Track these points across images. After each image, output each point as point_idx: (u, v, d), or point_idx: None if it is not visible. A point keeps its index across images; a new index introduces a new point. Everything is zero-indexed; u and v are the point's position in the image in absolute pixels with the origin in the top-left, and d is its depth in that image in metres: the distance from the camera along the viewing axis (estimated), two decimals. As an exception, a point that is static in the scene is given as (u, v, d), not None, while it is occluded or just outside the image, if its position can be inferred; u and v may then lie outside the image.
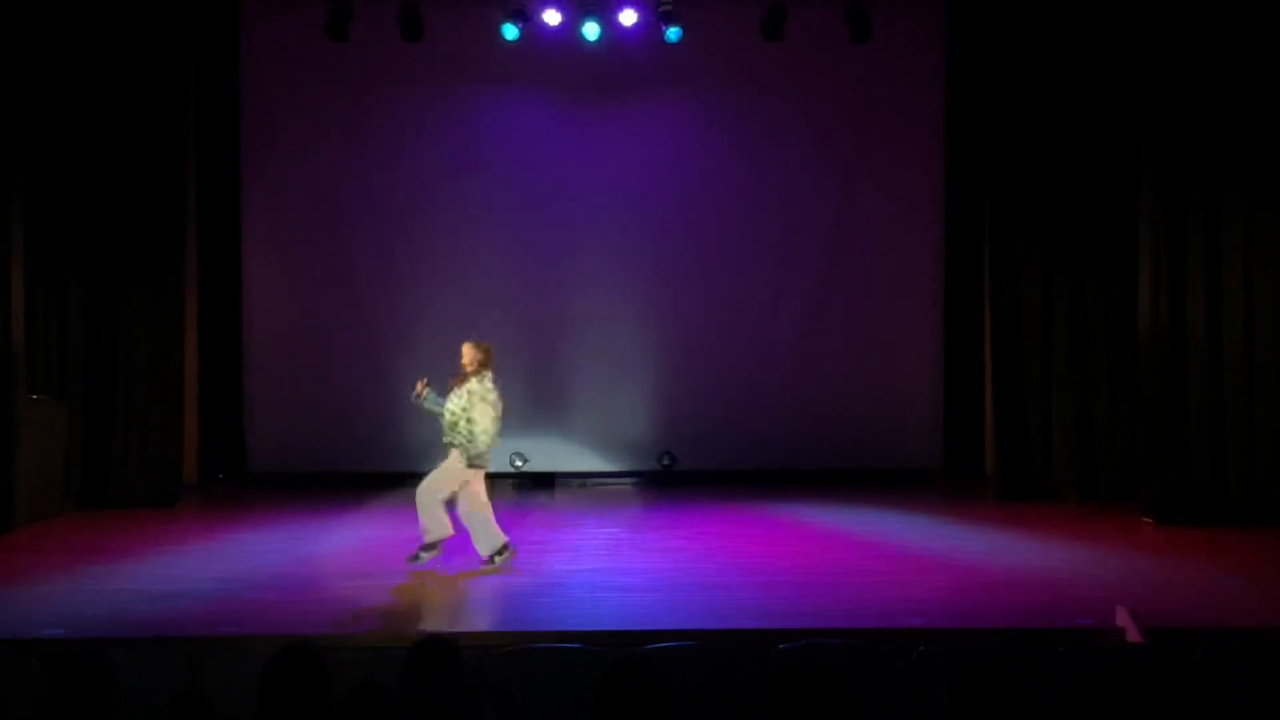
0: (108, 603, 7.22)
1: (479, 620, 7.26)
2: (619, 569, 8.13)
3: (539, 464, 11.68)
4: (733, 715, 5.01)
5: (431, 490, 7.94)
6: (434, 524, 7.90)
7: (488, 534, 8.01)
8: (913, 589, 7.60)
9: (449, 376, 8.04)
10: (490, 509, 8.07)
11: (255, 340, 11.79)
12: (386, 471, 11.59)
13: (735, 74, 11.75)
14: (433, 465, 8.11)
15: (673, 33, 10.88)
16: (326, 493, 11.07)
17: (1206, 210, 9.63)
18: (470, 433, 7.80)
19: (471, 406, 7.82)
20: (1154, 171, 9.73)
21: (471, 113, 11.78)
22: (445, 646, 4.23)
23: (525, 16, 10.90)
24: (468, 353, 7.95)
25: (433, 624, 6.87)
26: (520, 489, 11.60)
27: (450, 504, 7.99)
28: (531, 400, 11.58)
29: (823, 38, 11.45)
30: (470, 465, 7.86)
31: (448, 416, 7.89)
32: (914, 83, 11.77)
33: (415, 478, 11.40)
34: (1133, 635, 6.38)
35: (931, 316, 11.92)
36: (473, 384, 7.87)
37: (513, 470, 11.60)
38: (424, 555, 7.93)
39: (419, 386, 8.08)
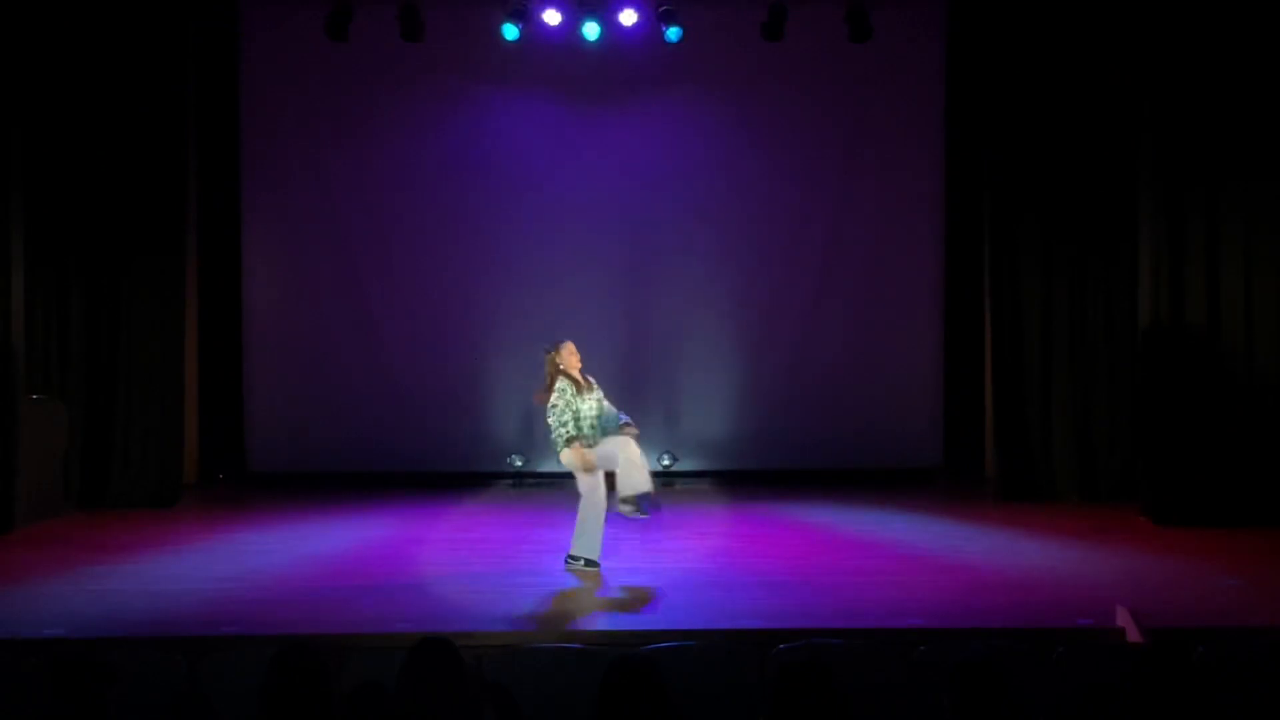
0: (108, 603, 7.22)
1: (478, 620, 7.25)
2: (619, 569, 8.13)
3: (539, 464, 11.67)
4: (733, 715, 5.02)
5: None
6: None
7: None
8: (913, 589, 7.59)
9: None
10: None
11: (255, 341, 11.78)
12: (387, 471, 11.61)
13: (735, 74, 11.74)
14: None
15: (673, 33, 10.87)
16: (326, 493, 11.08)
17: (1206, 210, 9.63)
18: None
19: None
20: (1154, 171, 9.73)
21: (471, 113, 11.77)
22: (445, 646, 4.24)
23: (525, 16, 10.89)
24: (577, 352, 8.22)
25: (433, 624, 6.86)
26: (519, 488, 11.61)
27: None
28: (530, 400, 11.55)
29: (823, 38, 11.43)
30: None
31: (602, 414, 8.13)
32: (914, 82, 11.75)
33: (415, 478, 11.62)
34: (1133, 635, 6.39)
35: (931, 316, 11.91)
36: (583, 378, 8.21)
37: (511, 470, 11.61)
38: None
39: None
